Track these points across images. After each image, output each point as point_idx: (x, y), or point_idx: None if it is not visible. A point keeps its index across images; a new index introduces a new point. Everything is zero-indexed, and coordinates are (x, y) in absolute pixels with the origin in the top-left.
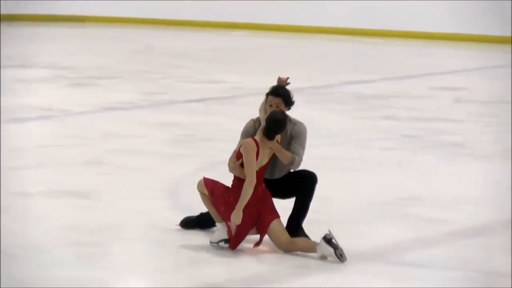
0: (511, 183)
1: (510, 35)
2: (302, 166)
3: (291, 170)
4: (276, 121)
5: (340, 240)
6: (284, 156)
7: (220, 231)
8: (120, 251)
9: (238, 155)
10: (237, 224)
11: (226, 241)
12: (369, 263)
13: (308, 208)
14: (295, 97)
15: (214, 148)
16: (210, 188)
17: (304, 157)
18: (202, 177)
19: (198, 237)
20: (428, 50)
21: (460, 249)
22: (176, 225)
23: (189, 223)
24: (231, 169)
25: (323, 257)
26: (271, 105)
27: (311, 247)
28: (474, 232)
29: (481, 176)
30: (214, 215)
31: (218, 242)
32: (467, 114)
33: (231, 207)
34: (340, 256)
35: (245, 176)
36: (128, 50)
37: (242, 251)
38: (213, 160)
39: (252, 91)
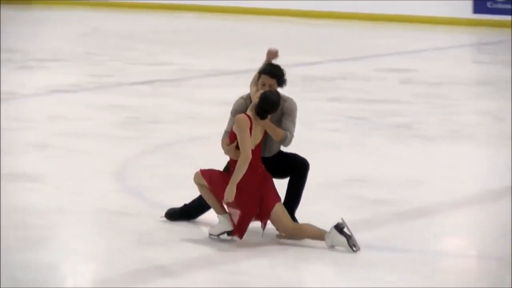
0: (456, 163)
1: (457, 16)
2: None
3: (282, 149)
4: (271, 103)
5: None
6: (276, 133)
7: (221, 223)
8: (68, 234)
9: (231, 136)
10: (230, 201)
11: (229, 233)
12: (315, 245)
13: (301, 196)
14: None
15: (161, 130)
16: (208, 177)
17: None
18: (198, 170)
19: (146, 218)
20: (375, 32)
21: (406, 229)
22: (161, 217)
23: (173, 215)
24: (226, 152)
25: (332, 247)
26: (264, 85)
27: (320, 235)
28: (420, 213)
29: (428, 157)
30: (215, 206)
31: (219, 235)
32: (414, 95)
33: (237, 191)
34: (353, 246)
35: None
36: (75, 33)
37: (193, 234)
38: (161, 142)
39: (199, 73)
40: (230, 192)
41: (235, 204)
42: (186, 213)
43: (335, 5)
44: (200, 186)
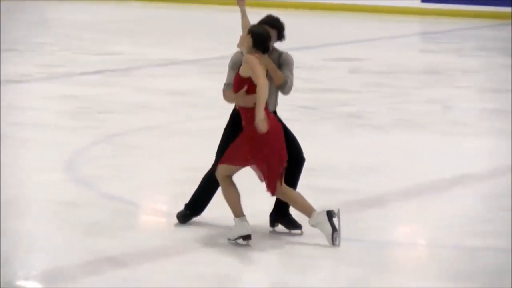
0: (407, 152)
1: (406, 5)
2: None
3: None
4: (262, 33)
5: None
6: (277, 75)
7: (237, 226)
8: (18, 225)
9: (236, 84)
10: (266, 130)
11: (244, 237)
12: (267, 236)
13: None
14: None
15: (112, 120)
16: (228, 157)
17: (209, 130)
18: (217, 166)
19: (97, 209)
20: (324, 21)
21: (357, 219)
22: (176, 224)
23: (186, 216)
24: (235, 100)
25: (314, 226)
26: None
27: (308, 210)
28: (371, 202)
29: (378, 146)
30: (234, 208)
31: (236, 239)
32: (363, 84)
33: (259, 145)
34: (335, 239)
35: (251, 104)
36: (24, 23)
37: (144, 225)
38: (111, 132)
39: (150, 62)
40: (260, 120)
41: (261, 159)
42: (194, 210)
43: None
44: (226, 184)
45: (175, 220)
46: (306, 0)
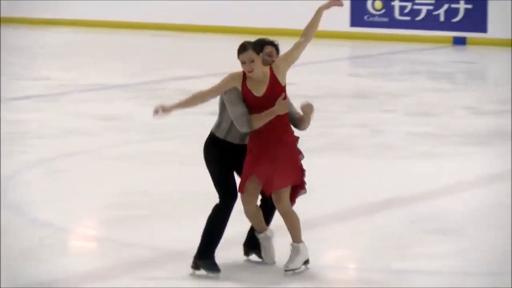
0: (336, 175)
1: (335, 29)
2: None
3: None
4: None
5: (162, 232)
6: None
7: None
8: None
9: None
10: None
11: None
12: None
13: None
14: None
15: (42, 145)
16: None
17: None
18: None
19: (28, 234)
20: None
21: (288, 242)
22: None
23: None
24: (269, 116)
25: (261, 239)
26: (270, 56)
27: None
28: (301, 225)
29: (308, 169)
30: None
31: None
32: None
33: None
34: (260, 256)
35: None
36: None
37: (75, 249)
38: (42, 157)
39: (79, 87)
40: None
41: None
42: (211, 246)
43: (211, 20)
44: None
45: (106, 244)
46: (234, 25)
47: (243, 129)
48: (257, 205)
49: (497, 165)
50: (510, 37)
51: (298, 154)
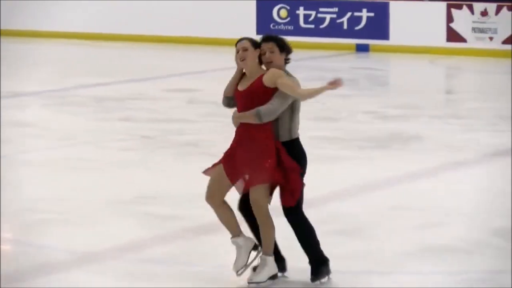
0: None
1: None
2: None
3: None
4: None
5: (77, 240)
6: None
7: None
8: None
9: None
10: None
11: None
12: (109, 262)
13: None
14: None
15: None
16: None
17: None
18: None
19: None
20: (162, 53)
21: (197, 244)
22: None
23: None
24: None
25: (233, 244)
26: (264, 53)
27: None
28: (205, 229)
29: None
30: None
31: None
32: (200, 114)
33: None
34: (240, 269)
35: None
36: None
37: None
38: None
39: None
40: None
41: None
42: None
43: (120, 28)
44: (262, 206)
45: (24, 246)
46: (143, 33)
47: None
48: (225, 205)
49: (397, 168)
50: (411, 44)
51: (267, 155)
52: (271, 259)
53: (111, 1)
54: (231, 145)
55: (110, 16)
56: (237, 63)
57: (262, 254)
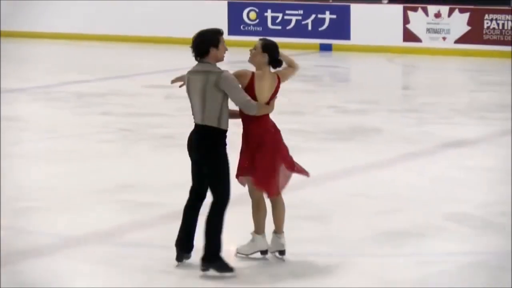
0: None
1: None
2: None
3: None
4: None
5: (60, 226)
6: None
7: (255, 243)
8: None
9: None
10: None
11: (262, 252)
12: (91, 247)
13: None
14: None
15: None
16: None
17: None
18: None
19: None
20: (140, 52)
21: (174, 229)
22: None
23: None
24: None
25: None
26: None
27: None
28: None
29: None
30: (260, 224)
31: (251, 254)
32: (177, 109)
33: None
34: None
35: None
36: None
37: None
38: None
39: None
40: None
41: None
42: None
43: (101, 28)
44: (257, 201)
45: (10, 231)
46: (123, 33)
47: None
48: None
49: (357, 158)
50: (370, 44)
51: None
52: (258, 237)
53: (94, 4)
54: None
55: (92, 18)
56: None
57: (253, 231)
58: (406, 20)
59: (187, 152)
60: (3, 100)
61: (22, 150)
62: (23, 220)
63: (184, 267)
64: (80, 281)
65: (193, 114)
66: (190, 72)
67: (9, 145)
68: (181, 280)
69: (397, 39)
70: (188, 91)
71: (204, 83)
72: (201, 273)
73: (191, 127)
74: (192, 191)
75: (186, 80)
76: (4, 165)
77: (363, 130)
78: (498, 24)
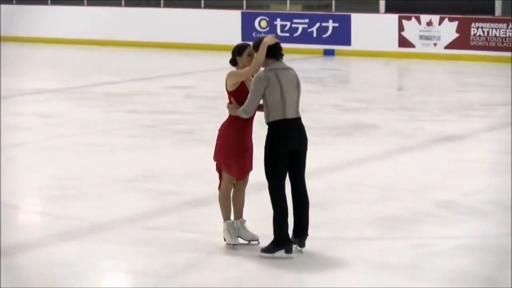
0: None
1: (227, 43)
2: None
3: None
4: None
5: (87, 212)
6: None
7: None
8: None
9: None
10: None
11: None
12: (118, 231)
13: None
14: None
15: None
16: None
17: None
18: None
19: None
20: (163, 56)
21: (191, 215)
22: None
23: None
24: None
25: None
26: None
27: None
28: (198, 203)
29: (207, 157)
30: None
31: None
32: (195, 107)
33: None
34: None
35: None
36: None
37: (23, 222)
38: None
39: (21, 91)
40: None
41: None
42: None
43: (129, 35)
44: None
45: (46, 218)
46: (147, 40)
47: None
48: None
49: (357, 151)
50: (369, 49)
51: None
52: (224, 224)
53: (123, 14)
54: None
55: (119, 25)
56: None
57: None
58: (401, 28)
59: (205, 146)
60: (40, 98)
61: (57, 144)
62: (58, 207)
63: (201, 249)
64: (108, 260)
65: (283, 107)
66: (274, 70)
67: (46, 139)
68: (200, 260)
69: (393, 45)
70: (281, 86)
71: (297, 78)
72: (222, 249)
73: (208, 123)
74: (282, 183)
75: (274, 76)
76: (42, 157)
77: (362, 126)
78: (483, 32)
